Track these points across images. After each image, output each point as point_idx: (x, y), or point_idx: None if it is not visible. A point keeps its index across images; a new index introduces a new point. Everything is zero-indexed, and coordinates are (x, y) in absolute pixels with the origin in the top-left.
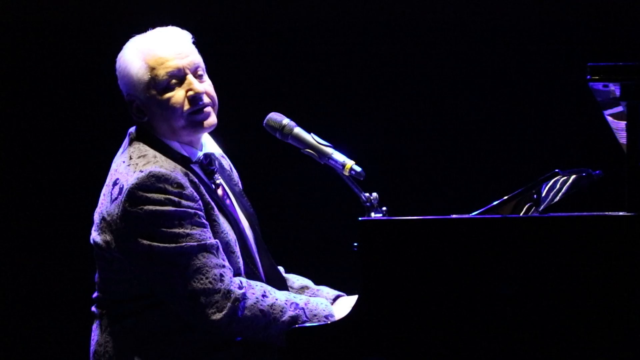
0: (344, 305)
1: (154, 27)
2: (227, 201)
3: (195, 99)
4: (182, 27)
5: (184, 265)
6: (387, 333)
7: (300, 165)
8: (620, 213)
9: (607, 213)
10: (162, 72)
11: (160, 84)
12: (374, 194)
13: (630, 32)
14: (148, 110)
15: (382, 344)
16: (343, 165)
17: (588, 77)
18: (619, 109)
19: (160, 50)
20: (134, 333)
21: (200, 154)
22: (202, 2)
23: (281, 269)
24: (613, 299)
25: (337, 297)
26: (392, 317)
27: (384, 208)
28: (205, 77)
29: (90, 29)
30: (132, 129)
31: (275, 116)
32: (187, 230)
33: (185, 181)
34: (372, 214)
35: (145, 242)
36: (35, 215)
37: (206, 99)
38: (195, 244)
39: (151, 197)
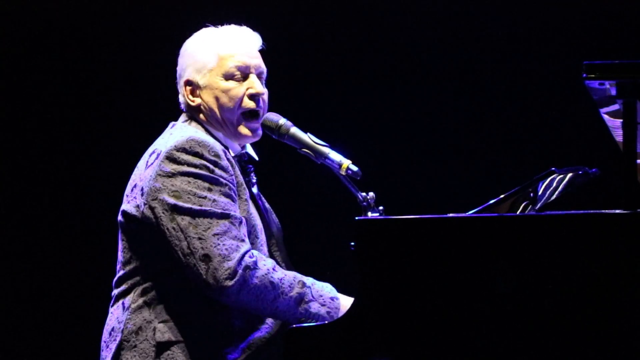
0: (344, 300)
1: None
2: (260, 201)
3: (253, 97)
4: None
5: (204, 226)
6: (385, 332)
7: (297, 165)
8: (617, 211)
9: (603, 211)
10: (230, 63)
11: (226, 73)
12: (371, 194)
13: (626, 30)
14: (203, 94)
15: (380, 343)
16: (340, 165)
17: (584, 75)
18: (615, 107)
19: (232, 45)
20: (158, 311)
21: (239, 148)
22: (203, 2)
23: None
24: (610, 296)
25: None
26: (389, 316)
27: (381, 207)
28: (264, 86)
29: (98, 28)
30: (178, 120)
31: (271, 116)
32: (215, 197)
33: (222, 154)
34: (369, 214)
35: (172, 199)
36: (45, 212)
37: (261, 103)
38: (219, 210)
39: (187, 159)
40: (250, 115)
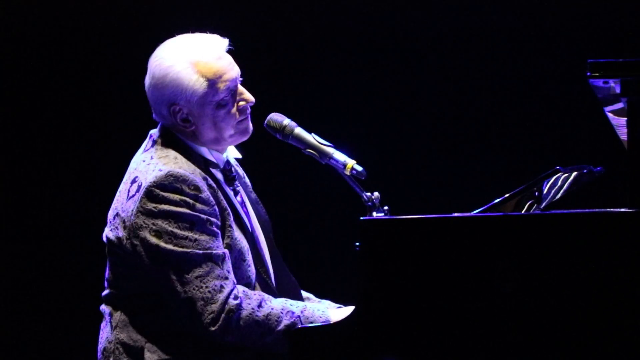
0: (344, 312)
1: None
2: (244, 209)
3: (245, 109)
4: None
5: (186, 270)
6: (389, 332)
7: (302, 166)
8: (622, 209)
9: (608, 210)
10: (221, 87)
11: (219, 99)
12: (376, 194)
13: (630, 28)
14: (198, 121)
15: (385, 344)
16: (344, 165)
17: (588, 73)
18: (620, 105)
19: (214, 61)
20: (146, 330)
21: (224, 156)
22: (204, 3)
23: None
24: (615, 295)
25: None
26: (394, 316)
27: (386, 207)
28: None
29: (93, 30)
30: (156, 132)
31: (275, 117)
32: (196, 236)
33: (203, 185)
34: (374, 214)
35: (153, 240)
36: (41, 216)
37: (249, 108)
38: (200, 251)
39: (167, 197)
40: (244, 120)
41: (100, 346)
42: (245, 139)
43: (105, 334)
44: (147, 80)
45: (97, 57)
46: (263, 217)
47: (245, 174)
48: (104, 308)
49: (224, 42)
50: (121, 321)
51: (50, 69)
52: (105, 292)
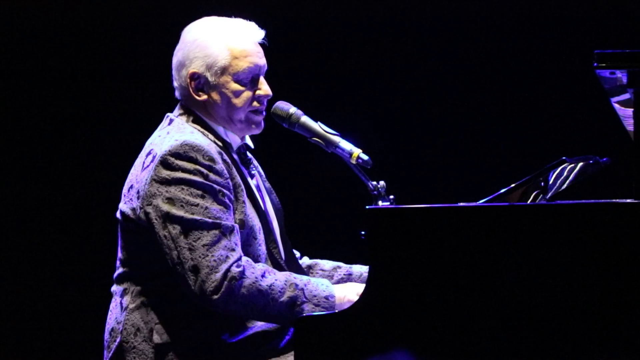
0: (348, 288)
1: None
2: (259, 192)
3: (261, 100)
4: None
5: (194, 237)
6: (394, 321)
7: (308, 154)
8: (628, 200)
9: (614, 200)
10: (243, 65)
11: (238, 75)
12: (381, 182)
13: (638, 18)
14: (212, 92)
15: (389, 333)
16: (350, 154)
17: (595, 64)
18: (626, 96)
19: (244, 43)
20: (156, 312)
21: (239, 140)
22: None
23: (306, 258)
24: (621, 286)
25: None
26: (399, 305)
27: (391, 196)
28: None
29: (95, 27)
30: (174, 113)
31: (282, 105)
32: (207, 204)
33: (217, 157)
34: (380, 202)
35: (165, 206)
36: (49, 208)
37: (266, 102)
38: (210, 220)
39: (182, 165)
40: (256, 112)
41: (109, 327)
42: (255, 132)
43: (115, 314)
44: (177, 46)
45: (101, 49)
46: (276, 206)
47: (259, 165)
48: (114, 289)
49: (260, 33)
50: (132, 302)
51: (54, 62)
52: (118, 272)
